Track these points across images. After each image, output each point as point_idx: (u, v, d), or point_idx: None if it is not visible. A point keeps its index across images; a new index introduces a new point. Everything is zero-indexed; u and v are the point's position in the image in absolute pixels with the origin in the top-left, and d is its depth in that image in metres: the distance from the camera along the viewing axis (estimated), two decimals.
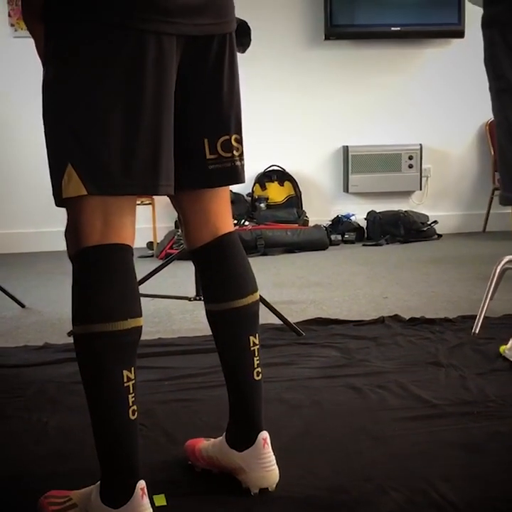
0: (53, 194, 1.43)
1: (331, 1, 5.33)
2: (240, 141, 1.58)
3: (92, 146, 1.38)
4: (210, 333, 1.66)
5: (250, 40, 2.60)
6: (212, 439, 1.72)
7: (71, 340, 1.49)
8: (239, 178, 1.59)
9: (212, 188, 1.59)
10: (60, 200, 1.42)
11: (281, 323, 2.91)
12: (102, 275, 1.40)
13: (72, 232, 1.43)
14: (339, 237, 5.37)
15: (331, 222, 5.49)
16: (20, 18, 4.96)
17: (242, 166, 1.59)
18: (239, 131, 1.58)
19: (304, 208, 5.53)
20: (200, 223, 1.61)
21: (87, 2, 1.36)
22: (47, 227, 5.14)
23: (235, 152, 1.56)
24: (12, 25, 5.15)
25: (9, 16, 5.14)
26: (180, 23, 1.40)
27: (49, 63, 1.42)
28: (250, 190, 5.47)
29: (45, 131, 1.44)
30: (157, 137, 1.41)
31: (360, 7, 5.41)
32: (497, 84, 1.46)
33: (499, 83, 1.45)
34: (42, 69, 1.45)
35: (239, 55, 1.65)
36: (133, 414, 1.39)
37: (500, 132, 1.48)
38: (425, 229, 5.43)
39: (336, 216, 5.52)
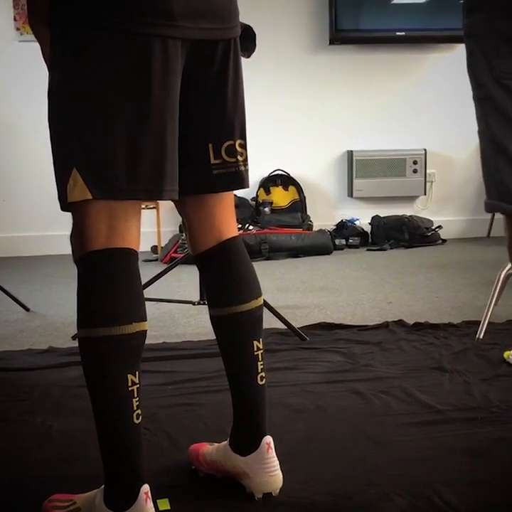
0: (59, 198, 1.43)
1: (336, 6, 5.33)
2: (244, 146, 1.58)
3: (97, 150, 1.38)
4: (214, 338, 1.66)
5: (255, 45, 2.62)
6: (216, 444, 1.72)
7: (75, 343, 1.49)
8: (243, 183, 1.59)
9: (217, 193, 1.59)
10: (65, 205, 1.43)
11: (286, 327, 2.91)
12: (107, 279, 1.40)
13: (78, 237, 1.44)
14: (343, 241, 5.36)
15: (335, 227, 5.49)
16: (26, 22, 4.98)
17: (247, 171, 1.60)
18: (243, 137, 1.58)
19: (308, 213, 5.53)
20: (204, 228, 1.61)
21: (93, 7, 1.36)
22: (51, 230, 5.15)
23: (239, 157, 1.57)
24: (18, 29, 5.16)
25: (15, 20, 5.16)
26: (185, 27, 1.41)
27: (55, 68, 1.43)
28: (254, 195, 5.47)
29: (50, 136, 1.44)
30: (162, 142, 1.41)
31: (365, 12, 5.41)
32: (478, 93, 1.48)
33: (479, 92, 1.47)
34: (47, 73, 1.46)
35: (243, 59, 1.65)
36: (137, 418, 1.40)
37: (483, 139, 1.50)
38: (429, 234, 5.42)
39: (340, 221, 5.52)
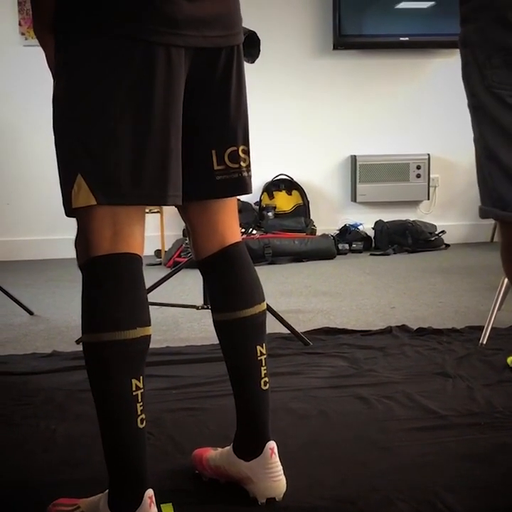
0: (63, 204, 1.44)
1: (340, 11, 5.35)
2: (247, 152, 1.59)
3: (102, 156, 1.39)
4: (218, 342, 1.66)
5: (259, 50, 2.63)
6: (220, 449, 1.72)
7: (79, 347, 1.50)
8: (246, 189, 1.60)
9: (220, 198, 1.60)
10: (69, 210, 1.44)
11: (289, 332, 2.91)
12: (111, 284, 1.41)
13: (82, 242, 1.44)
14: (347, 246, 5.36)
15: (338, 232, 5.49)
16: (31, 27, 4.99)
17: (250, 176, 1.60)
18: (246, 143, 1.59)
19: (311, 217, 5.54)
20: (207, 233, 1.62)
21: (97, 14, 1.37)
22: (55, 234, 5.16)
23: (242, 163, 1.57)
24: (22, 34, 5.18)
25: (20, 24, 5.18)
26: (188, 35, 1.41)
27: (59, 75, 1.44)
28: (258, 199, 5.48)
29: (55, 142, 1.45)
30: (166, 148, 1.42)
31: (369, 17, 5.42)
32: (472, 102, 1.50)
33: (473, 100, 1.49)
34: (52, 79, 1.47)
35: (248, 64, 1.66)
36: (141, 423, 1.40)
37: (477, 147, 1.52)
38: (433, 239, 5.42)
39: (343, 225, 5.52)
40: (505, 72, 1.40)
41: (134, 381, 1.39)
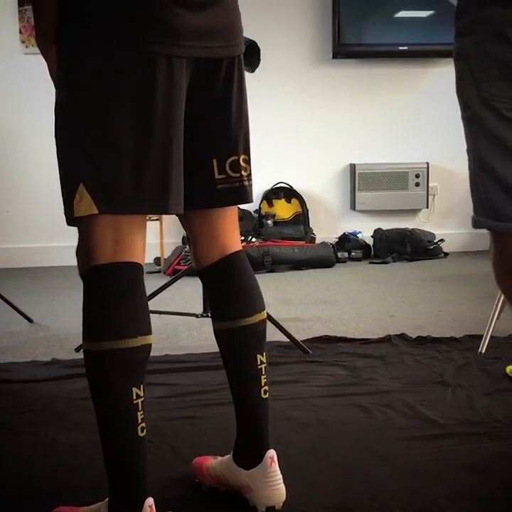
0: (64, 213, 1.45)
1: (339, 20, 5.36)
2: (248, 162, 1.60)
3: (104, 166, 1.40)
4: (217, 350, 1.67)
5: (259, 60, 2.64)
6: (220, 457, 1.72)
7: (79, 355, 1.50)
8: (247, 198, 1.61)
9: (221, 207, 1.60)
10: (71, 219, 1.44)
11: (288, 340, 2.91)
12: (112, 293, 1.42)
13: (83, 251, 1.45)
14: (346, 254, 5.37)
15: (337, 240, 5.49)
16: (31, 34, 5.01)
17: (250, 185, 1.61)
18: (247, 152, 1.60)
19: (310, 225, 5.54)
20: (208, 242, 1.62)
21: (100, 24, 1.38)
22: (55, 241, 5.16)
23: (243, 172, 1.58)
24: (23, 42, 5.19)
25: (20, 32, 5.19)
26: (190, 45, 1.43)
27: (61, 84, 1.45)
28: (257, 207, 5.48)
29: (57, 151, 1.46)
30: (167, 157, 1.43)
31: (368, 26, 5.44)
32: (466, 114, 1.52)
33: (467, 112, 1.51)
34: (54, 86, 1.48)
35: (248, 73, 1.67)
36: (142, 432, 1.40)
37: (471, 158, 1.54)
38: (432, 247, 5.42)
39: (342, 233, 5.53)
40: (502, 85, 1.42)
41: (134, 389, 1.39)
